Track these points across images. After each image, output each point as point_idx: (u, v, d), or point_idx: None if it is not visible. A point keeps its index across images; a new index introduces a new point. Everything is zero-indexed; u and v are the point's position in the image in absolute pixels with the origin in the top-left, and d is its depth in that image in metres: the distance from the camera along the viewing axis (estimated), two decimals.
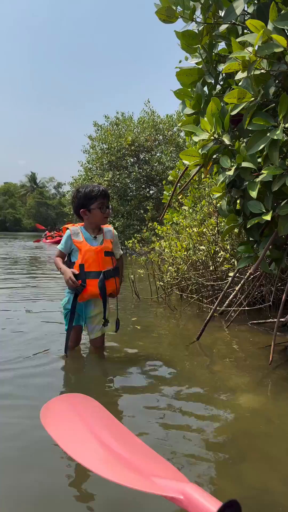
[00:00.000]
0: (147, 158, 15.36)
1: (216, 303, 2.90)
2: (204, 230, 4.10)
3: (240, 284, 3.51)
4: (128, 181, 14.89)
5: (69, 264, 2.55)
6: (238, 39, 2.01)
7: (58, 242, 18.92)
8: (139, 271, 5.42)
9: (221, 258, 4.15)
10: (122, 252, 2.73)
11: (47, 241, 23.43)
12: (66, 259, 2.60)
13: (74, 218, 16.73)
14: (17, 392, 2.03)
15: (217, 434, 1.67)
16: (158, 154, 15.57)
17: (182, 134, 15.59)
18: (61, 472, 1.40)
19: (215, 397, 2.03)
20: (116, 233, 2.73)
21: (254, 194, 2.03)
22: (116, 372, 2.37)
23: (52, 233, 25.42)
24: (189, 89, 2.91)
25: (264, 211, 2.11)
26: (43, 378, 2.23)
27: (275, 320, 3.29)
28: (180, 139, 15.16)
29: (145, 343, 2.96)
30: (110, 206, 2.60)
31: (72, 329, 2.59)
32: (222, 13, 2.61)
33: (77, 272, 2.46)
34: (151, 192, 16.56)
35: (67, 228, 2.62)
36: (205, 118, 2.28)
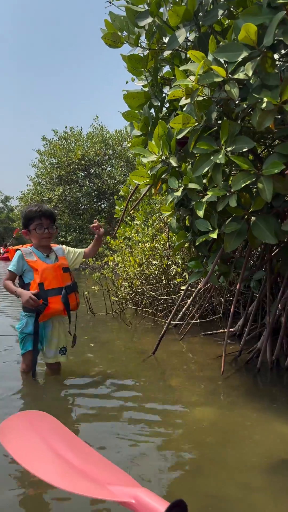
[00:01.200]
0: (97, 172, 15.44)
1: (170, 317, 2.98)
2: (156, 245, 4.20)
3: (191, 297, 3.63)
4: (80, 195, 14.87)
5: (23, 286, 2.51)
6: (182, 67, 2.13)
7: (5, 259, 18.08)
8: (93, 287, 5.41)
9: (173, 272, 4.26)
10: (82, 250, 2.77)
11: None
12: (17, 281, 2.57)
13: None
14: None
15: (172, 446, 1.72)
16: (108, 169, 15.72)
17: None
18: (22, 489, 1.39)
19: (170, 410, 2.08)
20: (68, 248, 2.77)
21: (201, 213, 2.14)
22: (72, 390, 2.36)
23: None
24: (137, 111, 3.01)
25: (211, 229, 2.23)
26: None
27: (225, 330, 3.43)
28: (129, 154, 15.41)
29: (101, 359, 2.97)
30: (54, 226, 2.62)
31: (29, 353, 2.53)
32: (166, 39, 2.75)
33: (35, 292, 2.42)
34: (103, 206, 16.62)
35: (17, 249, 2.58)
36: (153, 141, 2.38)
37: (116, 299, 4.76)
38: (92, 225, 2.70)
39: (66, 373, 2.67)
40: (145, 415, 2.02)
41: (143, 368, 2.77)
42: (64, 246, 2.75)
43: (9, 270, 2.53)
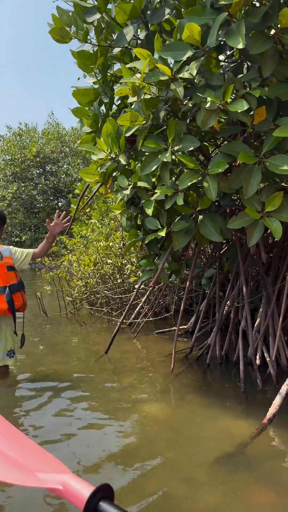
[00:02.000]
0: (53, 170, 15.14)
1: (123, 315, 2.96)
2: (110, 244, 4.17)
3: (145, 296, 3.63)
4: (35, 193, 14.52)
5: None
6: (128, 65, 2.12)
7: None
8: (45, 287, 5.30)
9: (128, 271, 4.25)
10: (31, 250, 2.69)
11: None
12: None
13: None
14: None
15: (120, 445, 1.71)
16: (65, 166, 15.46)
17: None
18: None
19: (120, 408, 2.07)
20: (16, 248, 2.69)
21: (149, 211, 2.13)
22: (20, 391, 2.29)
23: None
24: (86, 108, 2.96)
25: (160, 227, 2.23)
26: None
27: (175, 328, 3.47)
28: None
29: (53, 361, 2.90)
30: (4, 229, 2.59)
31: None
32: (115, 36, 2.73)
33: None
34: (60, 204, 16.33)
35: None
36: (101, 139, 2.34)
37: (71, 299, 4.68)
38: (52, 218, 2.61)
39: (14, 375, 2.59)
40: (94, 413, 2.00)
41: (95, 368, 2.74)
42: (11, 247, 2.67)
43: None
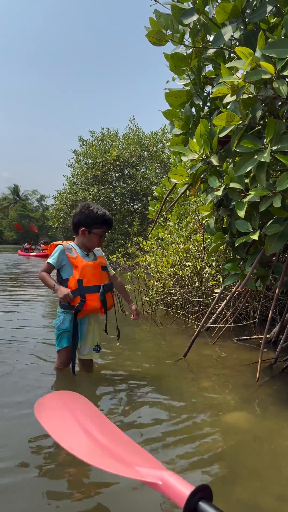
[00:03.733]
0: (131, 173, 15.50)
1: (203, 319, 2.92)
2: (190, 246, 4.14)
3: (225, 300, 3.55)
4: (113, 196, 14.96)
5: (61, 281, 2.50)
6: (227, 65, 2.08)
7: (44, 256, 18.22)
8: (126, 286, 5.41)
9: (207, 274, 4.19)
10: (114, 272, 2.72)
11: (32, 254, 22.25)
12: (56, 276, 2.58)
13: (58, 232, 16.65)
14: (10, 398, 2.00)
15: (205, 452, 1.67)
16: (142, 170, 15.74)
17: (166, 151, 15.83)
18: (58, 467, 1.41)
19: (203, 415, 2.03)
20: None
21: (242, 213, 2.08)
22: (103, 390, 2.34)
23: (39, 245, 24.49)
24: (177, 110, 2.98)
25: (251, 230, 2.16)
26: (35, 391, 2.21)
27: (260, 336, 3.33)
28: (164, 156, 15.38)
29: (132, 360, 2.95)
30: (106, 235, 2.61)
31: (65, 349, 2.54)
32: (210, 38, 2.71)
33: (70, 290, 2.41)
34: (135, 206, 16.67)
35: (58, 244, 2.56)
36: (194, 139, 2.34)
37: (148, 299, 4.74)
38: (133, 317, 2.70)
39: (98, 370, 2.67)
40: (175, 419, 1.98)
41: (174, 370, 2.73)
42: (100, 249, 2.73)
43: (47, 263, 2.48)
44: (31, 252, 22.72)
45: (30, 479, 1.45)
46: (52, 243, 2.67)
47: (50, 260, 2.49)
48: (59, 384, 2.42)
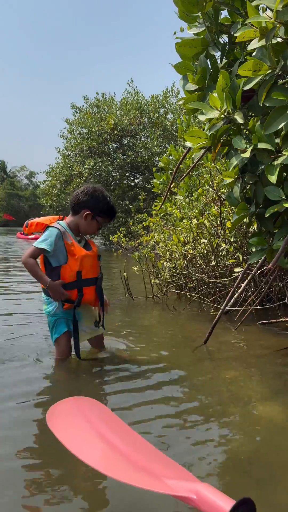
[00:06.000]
0: (131, 144, 15.25)
1: (225, 301, 2.85)
2: (204, 221, 4.04)
3: (246, 280, 3.47)
4: (111, 169, 14.75)
5: (51, 269, 2.40)
6: (254, 3, 1.94)
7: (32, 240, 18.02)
8: (133, 268, 5.34)
9: (223, 252, 4.11)
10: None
11: (31, 237, 21.99)
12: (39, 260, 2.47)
13: (51, 211, 16.50)
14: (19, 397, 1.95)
15: (238, 448, 1.61)
16: (143, 139, 15.49)
17: (169, 116, 15.53)
18: (71, 476, 1.39)
19: (230, 407, 1.97)
20: None
21: (273, 178, 1.97)
22: (115, 387, 2.26)
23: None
24: (191, 63, 2.83)
25: (284, 197, 2.06)
26: (41, 383, 2.20)
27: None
28: (167, 122, 15.09)
29: (146, 347, 2.89)
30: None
31: (65, 335, 2.51)
32: None
33: (65, 282, 2.38)
34: (136, 181, 16.48)
35: (52, 226, 2.41)
36: (215, 94, 2.21)
37: (158, 281, 4.66)
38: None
39: (109, 358, 2.63)
40: (201, 412, 1.93)
41: (193, 359, 2.68)
42: None
43: (39, 248, 2.32)
44: (30, 235, 22.39)
45: (29, 465, 1.40)
46: (37, 221, 2.50)
47: (43, 245, 2.32)
48: (63, 378, 2.36)
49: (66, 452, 1.30)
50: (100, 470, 1.15)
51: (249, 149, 2.04)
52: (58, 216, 2.60)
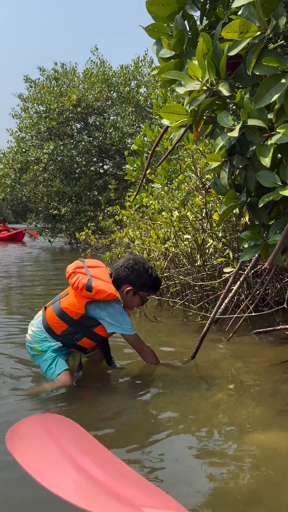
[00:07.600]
0: (98, 123, 15.19)
1: (214, 309, 2.85)
2: (187, 213, 4.03)
3: (238, 282, 3.47)
4: (75, 153, 14.66)
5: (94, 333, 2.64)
6: None
7: (13, 238, 16.78)
8: None
9: (211, 249, 4.11)
10: None
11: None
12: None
13: (4, 206, 16.24)
14: None
15: (235, 486, 1.60)
16: (112, 117, 15.45)
17: (142, 90, 15.54)
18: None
19: (226, 435, 1.97)
20: None
21: (266, 161, 1.96)
22: (95, 409, 2.27)
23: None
24: (165, 25, 2.81)
25: (280, 184, 2.05)
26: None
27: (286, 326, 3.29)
28: (140, 97, 15.10)
29: (125, 366, 2.88)
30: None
31: (65, 372, 2.59)
32: None
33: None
34: (105, 167, 16.43)
35: (119, 305, 2.61)
36: (194, 61, 2.18)
37: None
38: None
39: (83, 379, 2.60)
40: (192, 443, 1.92)
41: (180, 377, 2.68)
42: None
43: (136, 334, 2.68)
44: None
45: None
46: (101, 288, 2.53)
47: (133, 330, 2.66)
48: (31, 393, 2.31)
49: (28, 478, 1.29)
50: (67, 499, 1.18)
51: (238, 127, 2.02)
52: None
